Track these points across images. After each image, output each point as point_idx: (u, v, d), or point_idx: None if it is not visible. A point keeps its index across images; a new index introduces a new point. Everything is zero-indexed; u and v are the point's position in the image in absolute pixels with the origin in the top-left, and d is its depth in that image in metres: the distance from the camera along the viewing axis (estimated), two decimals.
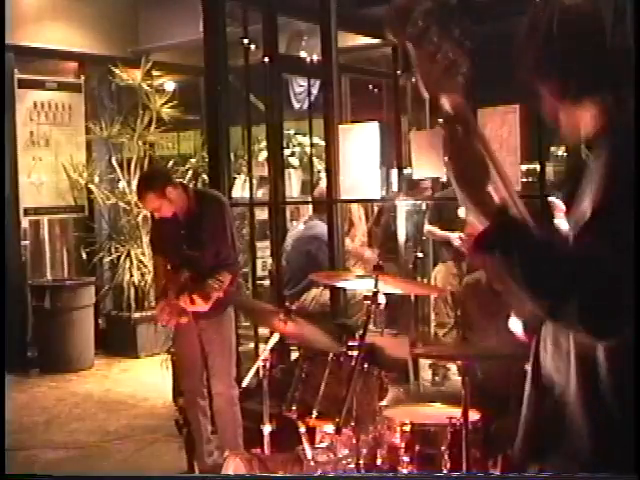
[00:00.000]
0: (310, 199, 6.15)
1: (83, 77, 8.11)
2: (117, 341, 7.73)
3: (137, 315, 7.60)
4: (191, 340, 4.27)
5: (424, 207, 5.78)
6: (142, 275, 7.58)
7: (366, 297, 2.93)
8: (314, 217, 5.72)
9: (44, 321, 7.22)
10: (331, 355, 3.10)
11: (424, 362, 4.88)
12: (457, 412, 2.77)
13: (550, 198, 1.63)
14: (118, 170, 7.73)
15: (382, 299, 3.00)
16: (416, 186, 5.46)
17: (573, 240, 1.45)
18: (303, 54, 6.65)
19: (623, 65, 1.49)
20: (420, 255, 5.59)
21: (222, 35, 5.38)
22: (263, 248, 6.33)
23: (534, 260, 1.39)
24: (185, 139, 9.17)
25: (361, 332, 2.89)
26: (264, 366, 3.33)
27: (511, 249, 1.40)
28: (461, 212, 5.31)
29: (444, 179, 5.04)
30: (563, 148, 4.90)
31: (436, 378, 5.12)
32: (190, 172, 7.87)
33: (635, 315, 1.34)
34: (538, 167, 4.05)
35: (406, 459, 2.86)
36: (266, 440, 3.34)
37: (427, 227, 5.73)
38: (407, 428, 2.86)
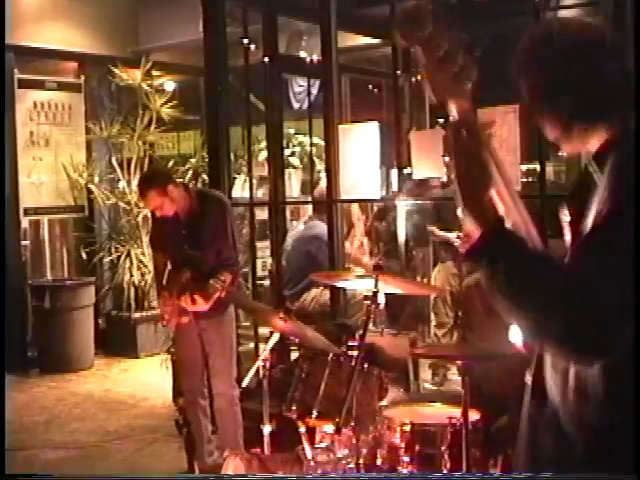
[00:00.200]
0: (310, 199, 6.15)
1: (83, 77, 8.11)
2: (117, 341, 7.73)
3: (137, 315, 7.60)
4: (192, 340, 4.27)
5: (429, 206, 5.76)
6: (142, 275, 7.58)
7: (366, 297, 2.92)
8: (314, 217, 5.72)
9: (44, 321, 7.22)
10: (331, 355, 3.10)
11: (424, 362, 4.88)
12: (457, 412, 2.76)
13: (561, 216, 1.62)
14: (118, 170, 7.73)
15: (382, 299, 3.00)
16: (424, 184, 5.45)
17: (569, 257, 1.44)
18: (303, 54, 6.65)
19: (626, 82, 1.50)
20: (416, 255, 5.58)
21: (222, 35, 5.38)
22: (263, 248, 6.33)
23: (520, 275, 1.38)
24: (185, 139, 9.17)
25: (361, 332, 2.89)
26: (264, 366, 3.33)
27: (498, 261, 1.40)
28: (460, 212, 5.32)
29: (444, 179, 5.04)
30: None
31: (436, 378, 5.12)
32: (190, 172, 7.87)
33: (635, 316, 1.34)
34: (538, 167, 4.05)
35: (406, 459, 2.86)
36: (266, 440, 3.34)
37: (428, 227, 5.73)
38: (407, 428, 2.86)
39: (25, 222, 7.63)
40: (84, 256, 7.84)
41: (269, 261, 5.89)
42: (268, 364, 3.34)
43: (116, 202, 7.77)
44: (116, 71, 7.57)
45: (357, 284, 3.49)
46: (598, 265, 1.33)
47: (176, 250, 4.23)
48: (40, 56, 7.84)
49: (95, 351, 7.46)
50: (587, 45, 1.52)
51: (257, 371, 3.35)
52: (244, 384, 3.57)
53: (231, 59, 5.51)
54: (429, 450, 2.84)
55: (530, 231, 1.53)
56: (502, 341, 2.72)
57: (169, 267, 4.31)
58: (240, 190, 7.02)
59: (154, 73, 7.71)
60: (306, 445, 3.11)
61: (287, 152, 7.35)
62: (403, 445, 2.85)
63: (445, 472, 2.76)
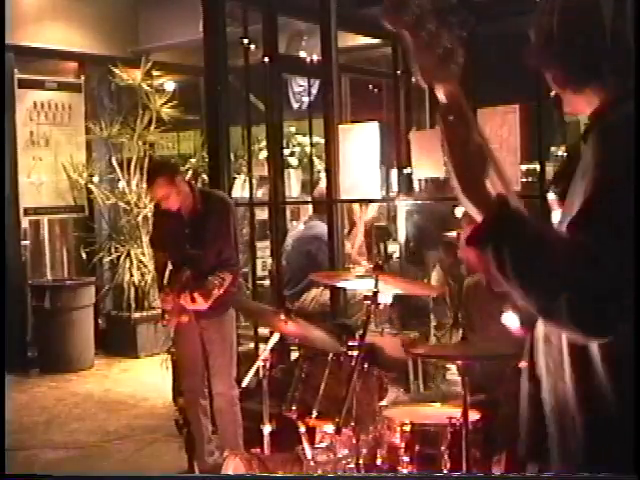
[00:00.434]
0: (310, 199, 6.15)
1: (83, 77, 8.11)
2: (117, 341, 7.73)
3: (137, 315, 7.60)
4: (192, 340, 4.27)
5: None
6: (142, 275, 7.58)
7: (366, 297, 2.93)
8: (314, 217, 5.72)
9: (44, 321, 7.22)
10: (331, 355, 3.10)
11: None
12: (457, 412, 2.76)
13: (548, 195, 1.62)
14: (118, 170, 7.73)
15: (385, 299, 3.00)
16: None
17: (565, 232, 1.43)
18: (303, 54, 6.65)
19: (621, 52, 1.49)
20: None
21: (222, 35, 5.38)
22: (263, 248, 6.33)
23: (528, 255, 1.37)
24: (185, 139, 9.17)
25: (361, 332, 2.89)
26: (264, 366, 3.33)
27: (506, 242, 1.38)
28: (458, 212, 5.31)
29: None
30: (563, 148, 4.90)
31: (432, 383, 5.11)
32: (190, 172, 7.87)
33: (635, 315, 1.34)
34: (538, 167, 4.05)
35: (406, 459, 2.86)
36: (266, 440, 3.34)
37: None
38: (407, 428, 2.86)
39: (25, 222, 7.62)
40: (84, 256, 7.84)
41: (269, 261, 5.89)
42: (268, 364, 3.34)
43: (116, 202, 7.77)
44: (116, 71, 7.57)
45: (357, 284, 3.49)
46: (597, 236, 1.32)
47: (177, 249, 4.24)
48: (40, 56, 7.84)
49: (95, 351, 7.46)
50: (586, 9, 1.52)
51: (257, 371, 3.35)
52: (244, 384, 3.57)
53: (231, 59, 5.51)
54: (429, 450, 2.84)
55: None
56: (503, 341, 2.72)
57: (169, 266, 4.32)
58: (240, 190, 7.03)
59: (154, 73, 7.71)
60: (306, 445, 3.11)
61: (287, 152, 7.35)
62: (403, 445, 2.85)
63: (445, 472, 2.76)
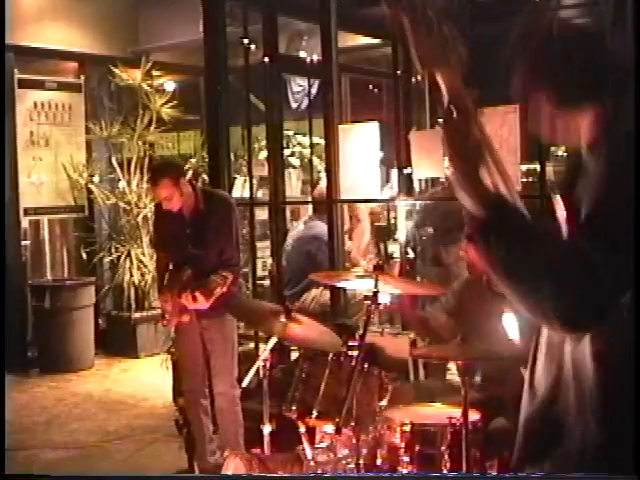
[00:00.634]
0: (310, 199, 6.15)
1: (83, 77, 8.11)
2: (117, 341, 7.73)
3: (137, 315, 7.60)
4: (193, 340, 4.27)
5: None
6: (142, 275, 7.59)
7: (366, 297, 2.92)
8: (314, 217, 5.71)
9: (44, 321, 7.22)
10: (331, 355, 3.10)
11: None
12: (457, 412, 2.76)
13: (554, 196, 1.62)
14: (118, 170, 7.73)
15: (385, 299, 3.00)
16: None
17: (567, 237, 1.45)
18: (303, 54, 6.66)
19: (622, 69, 1.49)
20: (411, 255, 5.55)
21: (222, 35, 5.38)
22: (263, 248, 6.33)
23: (520, 250, 1.38)
24: (185, 139, 9.17)
25: (361, 332, 2.88)
26: (264, 366, 3.32)
27: (503, 240, 1.39)
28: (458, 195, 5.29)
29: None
30: (563, 148, 4.90)
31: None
32: (190, 172, 7.86)
33: (635, 314, 1.34)
34: (538, 167, 4.05)
35: (406, 459, 2.85)
36: (266, 440, 3.33)
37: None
38: (407, 428, 2.86)
39: (25, 222, 7.62)
40: (84, 256, 7.84)
41: (269, 261, 5.89)
42: (268, 364, 3.33)
43: (116, 202, 7.77)
44: (116, 71, 7.57)
45: (357, 284, 3.49)
46: (597, 243, 1.34)
47: (179, 249, 4.23)
48: (40, 56, 7.84)
49: (95, 351, 7.46)
50: (575, 30, 1.53)
51: (257, 371, 3.35)
52: (244, 384, 3.56)
53: (231, 59, 5.51)
54: (429, 450, 2.84)
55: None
56: (500, 342, 2.72)
57: (170, 266, 4.31)
58: (240, 190, 7.03)
59: (154, 73, 7.71)
60: (306, 445, 3.11)
61: (287, 152, 7.36)
62: (403, 445, 2.85)
63: (445, 472, 2.76)
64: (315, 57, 5.50)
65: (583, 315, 1.34)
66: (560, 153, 5.38)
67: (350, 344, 3.08)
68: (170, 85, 8.38)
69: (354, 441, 2.96)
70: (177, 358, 4.61)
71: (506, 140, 3.81)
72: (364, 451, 2.98)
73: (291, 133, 7.95)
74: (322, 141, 5.33)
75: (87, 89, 8.13)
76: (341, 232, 4.98)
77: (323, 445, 3.19)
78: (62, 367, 7.09)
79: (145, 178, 7.41)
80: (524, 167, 4.36)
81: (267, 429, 3.34)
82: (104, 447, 5.12)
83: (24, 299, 7.39)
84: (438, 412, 2.99)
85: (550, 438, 1.54)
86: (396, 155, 4.77)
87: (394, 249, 5.70)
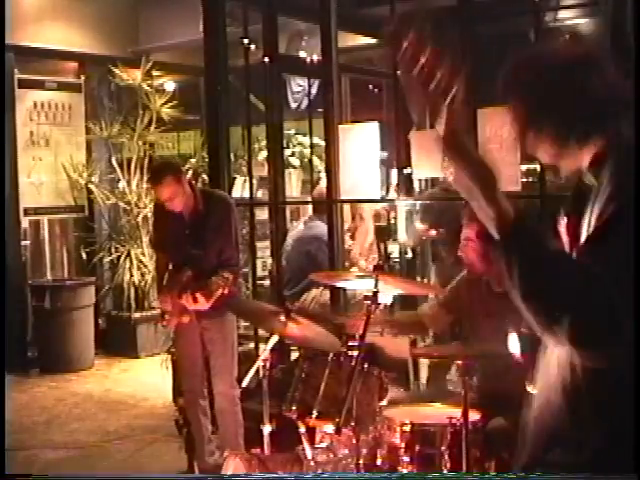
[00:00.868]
0: (310, 199, 6.15)
1: (83, 77, 8.11)
2: (117, 341, 7.73)
3: (137, 315, 7.60)
4: (193, 340, 4.27)
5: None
6: (142, 275, 7.59)
7: (366, 297, 2.92)
8: (314, 217, 5.71)
9: (44, 321, 7.22)
10: (331, 355, 3.10)
11: (424, 362, 4.87)
12: (457, 412, 2.76)
13: (560, 217, 1.64)
14: (118, 170, 7.73)
15: (386, 299, 2.99)
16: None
17: (575, 256, 1.47)
18: (303, 54, 6.65)
19: (622, 101, 1.51)
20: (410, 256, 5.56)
21: (222, 35, 5.38)
22: (263, 248, 6.33)
23: (537, 273, 1.40)
24: (185, 139, 9.17)
25: (361, 332, 2.88)
26: (264, 366, 3.32)
27: (518, 259, 1.41)
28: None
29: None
30: None
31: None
32: (190, 172, 7.87)
33: (635, 316, 1.35)
34: (538, 167, 4.05)
35: (406, 459, 2.85)
36: (266, 440, 3.33)
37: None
38: (407, 428, 2.86)
39: (25, 222, 7.63)
40: (84, 256, 7.85)
41: (269, 261, 5.89)
42: (268, 364, 3.33)
43: (116, 202, 7.77)
44: (116, 71, 7.57)
45: (357, 284, 3.49)
46: (604, 262, 1.35)
47: (178, 249, 4.23)
48: (40, 56, 7.83)
49: (95, 351, 7.46)
50: (569, 63, 1.54)
51: (257, 371, 3.35)
52: (244, 384, 3.56)
53: (231, 59, 5.51)
54: (429, 450, 2.83)
55: None
56: (500, 341, 2.72)
57: (170, 267, 4.31)
58: (240, 190, 7.02)
59: (154, 73, 7.71)
60: (306, 445, 3.11)
61: (287, 152, 7.35)
62: (403, 445, 2.85)
63: (445, 472, 2.76)
64: (315, 57, 5.49)
65: (603, 338, 1.35)
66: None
67: (350, 344, 3.08)
68: (170, 85, 8.39)
69: (354, 441, 2.96)
70: (177, 358, 4.61)
71: (506, 140, 3.81)
72: (364, 451, 2.98)
73: (291, 133, 7.95)
74: (322, 141, 5.32)
75: (87, 89, 8.13)
76: (341, 232, 4.98)
77: (323, 445, 3.19)
78: (62, 367, 7.09)
79: (145, 178, 7.41)
80: (524, 167, 4.35)
81: (267, 429, 3.34)
82: (104, 447, 5.12)
83: (24, 299, 7.39)
84: (438, 412, 2.99)
85: (555, 435, 1.55)
86: (396, 155, 4.77)
87: (393, 249, 5.71)
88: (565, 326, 1.34)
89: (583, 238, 1.46)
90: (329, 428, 3.08)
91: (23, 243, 7.65)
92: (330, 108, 4.86)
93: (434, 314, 3.51)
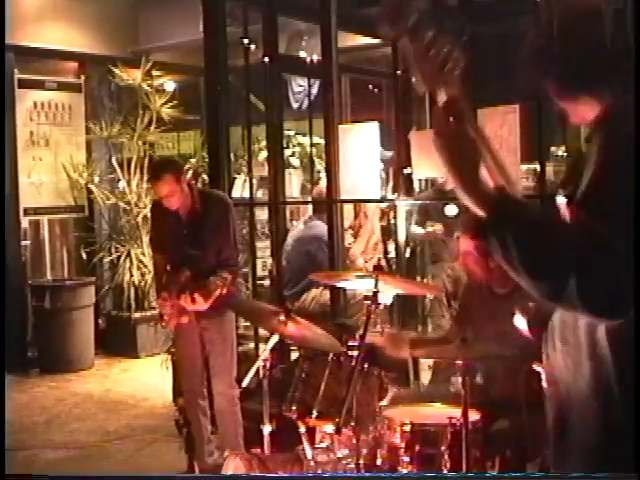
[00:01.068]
0: (310, 199, 6.15)
1: (83, 77, 8.10)
2: (117, 341, 7.72)
3: (137, 315, 7.60)
4: (192, 340, 4.27)
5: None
6: (142, 275, 7.58)
7: (366, 297, 2.92)
8: (314, 217, 5.71)
9: (44, 321, 7.22)
10: (331, 355, 3.10)
11: (424, 362, 4.87)
12: (457, 412, 2.76)
13: (557, 198, 1.63)
14: (118, 170, 7.73)
15: (386, 299, 2.99)
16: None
17: (570, 219, 1.45)
18: (303, 54, 6.65)
19: (620, 59, 1.50)
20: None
21: (222, 35, 5.38)
22: (263, 248, 6.32)
23: (533, 241, 1.38)
24: (185, 139, 9.16)
25: (361, 332, 2.88)
26: (264, 366, 3.32)
27: (510, 231, 1.39)
28: (448, 211, 5.32)
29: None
30: (563, 148, 4.90)
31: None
32: (190, 172, 7.86)
33: (635, 313, 1.34)
34: (538, 167, 4.05)
35: (406, 459, 2.85)
36: (266, 440, 3.33)
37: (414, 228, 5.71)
38: (407, 428, 2.85)
39: (25, 222, 7.62)
40: (84, 256, 7.84)
41: (269, 261, 5.88)
42: (268, 364, 3.33)
43: (116, 202, 7.77)
44: (116, 71, 7.57)
45: (357, 284, 3.48)
46: (601, 218, 1.33)
47: (176, 250, 4.23)
48: (40, 56, 7.83)
49: (95, 351, 7.46)
50: (588, 14, 1.53)
51: (257, 371, 3.35)
52: (244, 384, 3.56)
53: (231, 59, 5.51)
54: (429, 450, 2.83)
55: None
56: (502, 343, 2.72)
57: (168, 267, 4.30)
58: (240, 190, 7.02)
59: (154, 73, 7.71)
60: (306, 445, 3.11)
61: (287, 152, 7.35)
62: (403, 445, 2.85)
63: (445, 472, 2.76)
64: (315, 57, 5.50)
65: (618, 300, 1.32)
66: (560, 153, 5.39)
67: (350, 344, 3.08)
68: (170, 85, 8.38)
69: (354, 441, 2.96)
70: (176, 358, 4.61)
71: (506, 140, 3.81)
72: (364, 451, 2.98)
73: (291, 133, 7.94)
74: (322, 141, 5.33)
75: (87, 89, 8.13)
76: (341, 232, 4.98)
77: (323, 445, 3.19)
78: (62, 367, 7.08)
79: (145, 178, 7.41)
80: (524, 167, 4.36)
81: (267, 429, 3.34)
82: (104, 447, 5.11)
83: (24, 299, 7.38)
84: (438, 412, 2.99)
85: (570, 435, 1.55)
86: (396, 155, 4.77)
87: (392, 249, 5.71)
88: (574, 288, 1.31)
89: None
90: (329, 428, 3.08)
91: (23, 243, 7.65)
92: (330, 108, 4.86)
93: (452, 329, 3.52)
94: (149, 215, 4.66)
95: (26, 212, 7.57)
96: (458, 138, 1.45)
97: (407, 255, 5.43)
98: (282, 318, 3.22)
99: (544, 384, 1.67)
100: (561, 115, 1.62)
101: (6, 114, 7.24)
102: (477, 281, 3.20)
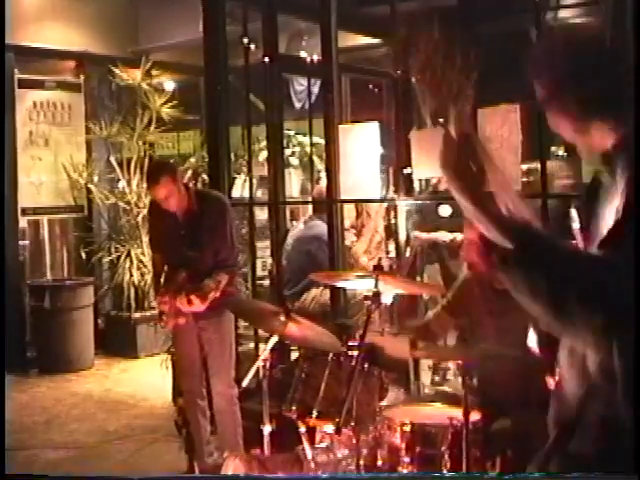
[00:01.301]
0: (310, 199, 6.14)
1: (83, 77, 8.11)
2: (117, 341, 7.72)
3: (137, 315, 7.60)
4: (190, 340, 4.27)
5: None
6: (142, 275, 7.58)
7: (366, 297, 2.92)
8: (314, 217, 5.71)
9: (44, 321, 7.22)
10: (331, 355, 3.10)
11: (424, 362, 4.87)
12: (457, 412, 2.76)
13: (571, 211, 1.63)
14: (118, 170, 7.73)
15: (386, 299, 2.99)
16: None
17: (597, 253, 1.45)
18: (303, 54, 6.65)
19: (628, 85, 1.50)
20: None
21: (222, 35, 5.38)
22: (263, 248, 6.32)
23: (560, 277, 1.38)
24: (185, 139, 9.16)
25: (361, 332, 2.88)
26: (264, 366, 3.32)
27: (538, 268, 1.40)
28: (442, 211, 5.31)
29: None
30: (563, 148, 4.90)
31: (436, 378, 5.10)
32: (190, 172, 7.86)
33: (635, 316, 1.34)
34: (539, 166, 4.04)
35: (406, 459, 2.85)
36: (266, 440, 3.33)
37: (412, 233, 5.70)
38: (407, 428, 2.85)
39: (23, 222, 7.62)
40: (84, 256, 7.84)
41: (269, 261, 5.88)
42: (268, 364, 3.33)
43: (116, 202, 7.77)
44: (116, 71, 7.57)
45: (357, 284, 3.48)
46: (625, 257, 1.34)
47: (173, 251, 4.22)
48: (40, 56, 7.83)
49: (95, 351, 7.46)
50: (597, 45, 1.53)
51: (257, 371, 3.34)
52: (244, 384, 3.55)
53: (231, 59, 5.51)
54: (429, 450, 2.83)
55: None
56: (502, 340, 2.72)
57: (166, 268, 4.30)
58: (240, 190, 7.02)
59: (154, 73, 7.71)
60: (306, 445, 3.11)
61: (287, 152, 7.35)
62: (403, 445, 2.85)
63: (445, 472, 2.75)
64: (315, 57, 5.49)
65: (628, 328, 1.34)
66: (560, 153, 5.38)
67: (350, 344, 3.08)
68: (170, 85, 8.38)
69: (354, 441, 2.95)
70: (175, 358, 4.61)
71: (507, 140, 3.81)
72: (364, 451, 2.98)
73: (291, 133, 7.94)
74: (322, 141, 5.32)
75: (87, 89, 8.13)
76: (341, 232, 4.98)
77: (323, 445, 3.19)
78: (62, 367, 7.08)
79: (146, 178, 7.40)
80: (524, 166, 4.35)
81: (267, 429, 3.33)
82: (104, 447, 5.11)
83: (23, 299, 7.38)
84: (438, 412, 2.98)
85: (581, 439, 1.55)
86: (396, 155, 4.77)
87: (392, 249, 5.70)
88: (590, 322, 1.33)
89: (601, 233, 1.44)
90: (329, 428, 3.08)
91: (23, 243, 7.65)
92: (330, 108, 4.85)
93: (439, 319, 3.50)
94: (148, 215, 4.67)
95: (25, 212, 7.56)
96: (470, 170, 1.45)
97: (407, 255, 5.43)
98: (282, 318, 3.22)
99: (549, 384, 1.67)
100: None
101: (6, 114, 7.23)
102: (478, 273, 3.18)
